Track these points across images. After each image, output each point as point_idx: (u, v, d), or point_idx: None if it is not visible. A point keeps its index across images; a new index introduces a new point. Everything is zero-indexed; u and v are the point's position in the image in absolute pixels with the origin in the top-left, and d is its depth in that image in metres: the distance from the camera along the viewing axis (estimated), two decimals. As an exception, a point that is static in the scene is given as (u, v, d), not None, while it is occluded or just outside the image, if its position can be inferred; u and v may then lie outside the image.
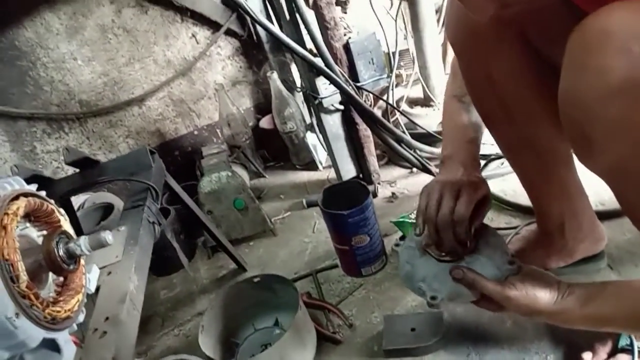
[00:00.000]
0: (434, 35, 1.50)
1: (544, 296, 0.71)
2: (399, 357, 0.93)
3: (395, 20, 1.48)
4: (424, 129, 1.44)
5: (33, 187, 0.63)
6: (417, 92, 1.63)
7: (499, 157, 1.36)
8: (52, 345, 0.58)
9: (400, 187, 1.47)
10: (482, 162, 1.37)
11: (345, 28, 1.28)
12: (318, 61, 1.19)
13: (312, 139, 1.66)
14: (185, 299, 1.30)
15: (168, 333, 1.20)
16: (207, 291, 1.30)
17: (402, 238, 1.20)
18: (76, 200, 1.49)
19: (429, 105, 1.57)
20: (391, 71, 1.50)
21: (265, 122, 1.82)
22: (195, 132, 1.82)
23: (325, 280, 1.19)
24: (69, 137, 1.61)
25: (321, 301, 1.11)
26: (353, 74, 1.28)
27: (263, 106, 1.89)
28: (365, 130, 1.37)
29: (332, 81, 1.21)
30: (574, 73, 0.52)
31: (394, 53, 1.49)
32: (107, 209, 1.44)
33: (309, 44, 1.21)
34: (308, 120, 1.70)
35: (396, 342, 0.94)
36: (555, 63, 0.69)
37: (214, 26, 1.68)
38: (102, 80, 1.60)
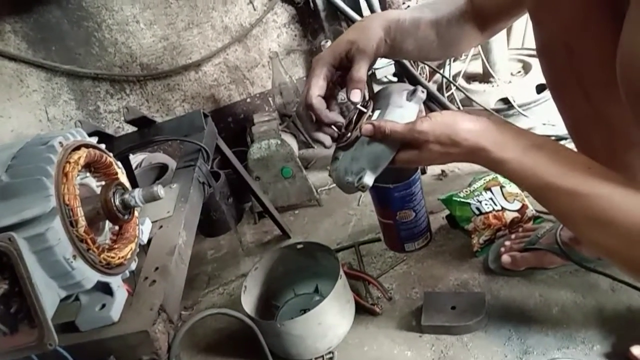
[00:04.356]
0: (499, 7, 1.42)
1: (465, 122, 0.62)
2: (437, 334, 0.92)
3: (458, -10, 1.41)
4: (481, 105, 1.39)
5: (94, 140, 0.67)
6: (476, 67, 1.56)
7: (560, 139, 1.28)
8: (105, 289, 0.62)
9: (451, 165, 1.43)
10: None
11: (404, -4, 1.24)
12: (374, 30, 1.16)
13: (363, 111, 1.64)
14: (230, 260, 1.35)
15: (213, 291, 1.25)
16: (252, 254, 1.34)
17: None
18: (134, 160, 1.56)
19: (487, 82, 1.51)
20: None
21: (317, 93, 1.81)
22: (248, 100, 1.84)
23: (367, 253, 1.19)
24: (130, 98, 1.68)
25: (362, 272, 1.12)
26: (409, 45, 1.24)
27: (316, 76, 1.87)
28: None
29: (387, 51, 1.18)
30: (635, 27, 0.48)
31: (454, 25, 1.43)
32: (162, 169, 1.50)
33: (366, 12, 1.18)
34: (360, 92, 1.67)
35: (435, 318, 0.93)
36: None
37: (271, -8, 1.68)
38: (162, 44, 1.65)
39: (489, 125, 0.63)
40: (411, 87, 0.72)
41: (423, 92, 0.69)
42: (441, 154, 0.65)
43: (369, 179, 0.68)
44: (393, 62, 1.23)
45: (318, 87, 0.73)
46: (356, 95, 0.72)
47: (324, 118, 0.74)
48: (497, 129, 0.63)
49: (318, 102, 0.73)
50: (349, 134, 0.73)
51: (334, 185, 1.51)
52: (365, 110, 0.73)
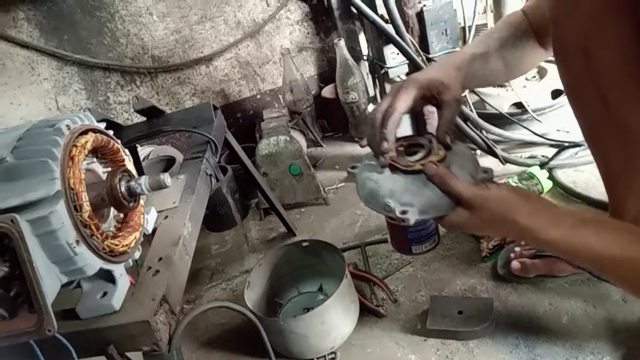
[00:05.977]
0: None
1: (521, 203, 0.65)
2: (442, 338, 0.90)
3: (475, -8, 1.40)
4: (494, 108, 1.37)
5: (102, 125, 0.65)
6: (490, 70, 1.54)
7: (574, 146, 1.26)
8: (108, 277, 0.61)
9: (461, 168, 1.41)
10: (555, 150, 1.28)
11: (420, -5, 1.23)
12: (389, 28, 1.15)
13: (373, 111, 1.62)
14: (235, 256, 1.34)
15: (216, 286, 1.24)
16: (257, 250, 1.33)
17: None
18: (141, 152, 1.56)
19: (502, 86, 1.48)
20: (465, 45, 1.42)
21: (327, 92, 1.80)
22: (258, 96, 1.83)
23: (374, 254, 1.18)
24: (140, 90, 1.67)
25: (367, 273, 1.10)
26: (424, 45, 1.22)
27: (327, 75, 1.86)
28: (430, 106, 1.32)
29: (402, 50, 1.16)
30: None
31: (470, 27, 1.41)
32: (170, 161, 1.49)
33: (381, 9, 1.17)
34: (371, 93, 1.65)
35: (441, 323, 0.91)
36: None
37: (285, -11, 1.67)
38: (174, 37, 1.64)
39: (537, 207, 0.66)
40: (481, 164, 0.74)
41: (493, 175, 0.72)
42: (489, 225, 0.67)
43: (412, 217, 0.67)
44: (407, 61, 1.22)
45: (406, 104, 0.72)
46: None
47: (388, 134, 0.72)
48: (544, 210, 0.66)
49: (397, 120, 0.72)
50: (413, 164, 0.72)
51: (342, 184, 1.51)
52: (437, 153, 0.73)
